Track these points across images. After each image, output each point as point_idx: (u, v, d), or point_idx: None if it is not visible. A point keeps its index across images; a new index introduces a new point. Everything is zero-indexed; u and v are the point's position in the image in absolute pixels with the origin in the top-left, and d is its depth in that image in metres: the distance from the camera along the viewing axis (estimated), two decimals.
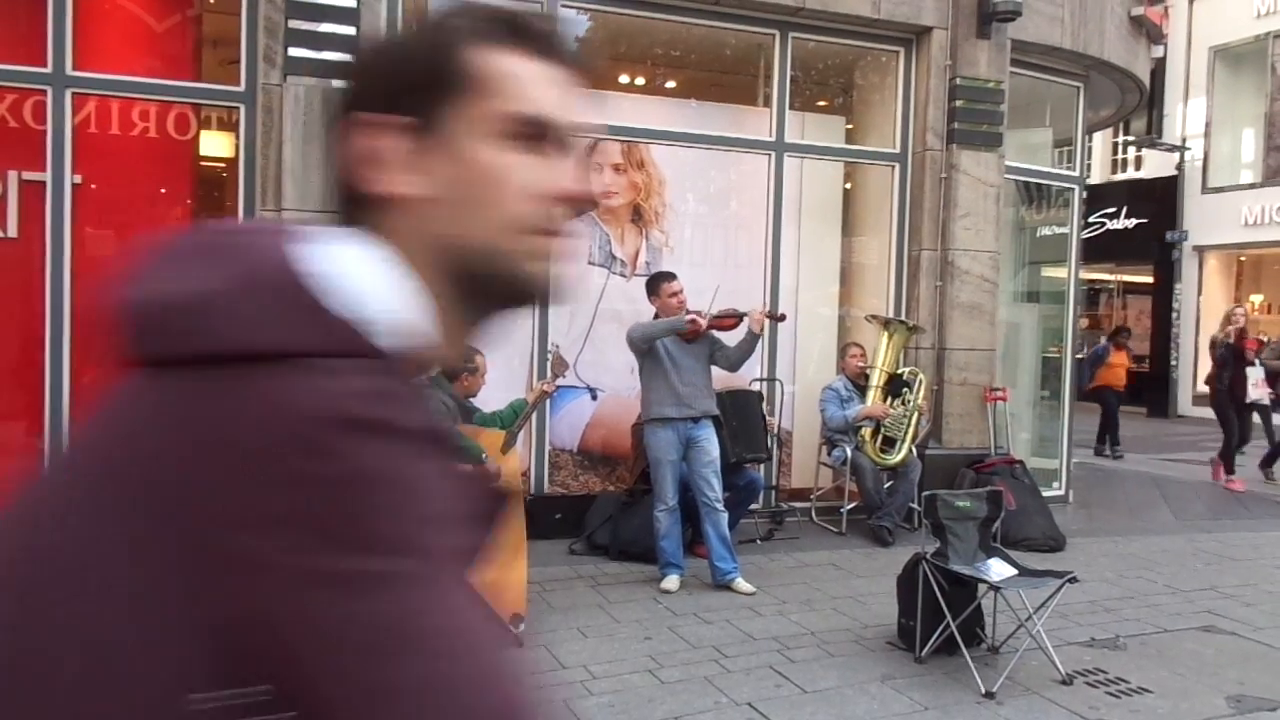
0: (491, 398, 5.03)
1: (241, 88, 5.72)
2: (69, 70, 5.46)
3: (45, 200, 5.46)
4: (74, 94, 5.49)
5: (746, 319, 5.24)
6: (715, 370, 5.40)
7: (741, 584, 5.14)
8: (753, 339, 5.26)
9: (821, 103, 7.92)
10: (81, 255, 5.56)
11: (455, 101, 0.70)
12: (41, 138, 5.45)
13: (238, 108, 5.75)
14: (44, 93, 5.44)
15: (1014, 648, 4.17)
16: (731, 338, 5.36)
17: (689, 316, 5.06)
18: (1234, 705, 3.83)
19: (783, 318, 5.18)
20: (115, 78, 5.58)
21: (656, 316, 5.28)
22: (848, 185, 7.85)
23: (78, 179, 5.53)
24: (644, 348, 5.14)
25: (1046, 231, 8.78)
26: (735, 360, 5.37)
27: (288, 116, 5.57)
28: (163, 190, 5.93)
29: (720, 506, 5.17)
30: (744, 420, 5.87)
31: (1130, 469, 10.39)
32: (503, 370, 6.36)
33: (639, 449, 6.18)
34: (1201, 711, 3.75)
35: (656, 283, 5.35)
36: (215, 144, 6.05)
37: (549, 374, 4.90)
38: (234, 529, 0.57)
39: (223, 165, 6.14)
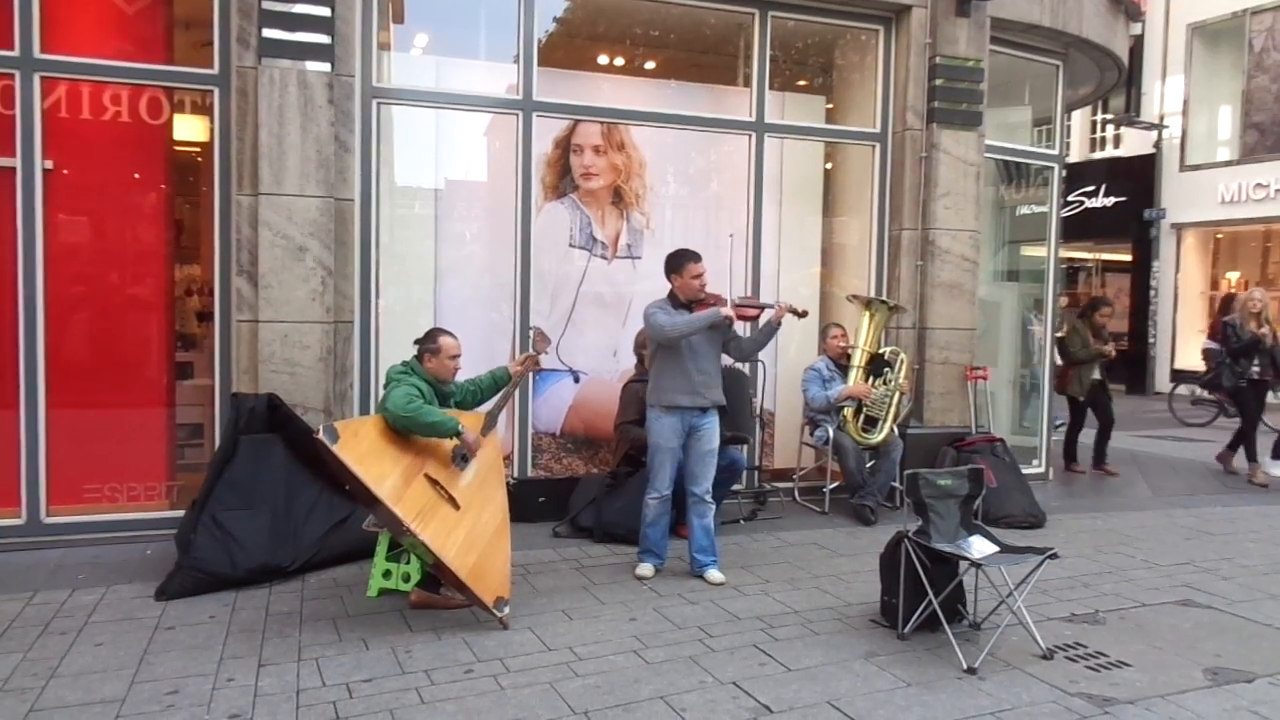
0: None
1: (215, 70, 5.64)
2: (37, 54, 5.37)
3: (15, 187, 5.38)
4: (43, 78, 5.40)
5: (768, 310, 5.11)
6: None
7: (713, 574, 5.04)
8: (770, 331, 5.13)
9: (801, 82, 7.90)
10: (55, 242, 5.50)
11: None
12: (10, 123, 5.36)
13: (212, 91, 5.67)
14: (11, 77, 5.35)
15: (995, 624, 4.22)
16: (745, 327, 5.26)
17: (726, 312, 4.83)
18: (1211, 677, 3.88)
19: (805, 314, 5.05)
20: (85, 61, 5.48)
21: (671, 295, 5.07)
22: (828, 165, 7.84)
23: (49, 165, 5.44)
24: (680, 342, 4.90)
25: (1026, 210, 8.80)
26: (749, 351, 5.29)
27: (263, 99, 5.50)
28: (136, 175, 5.84)
29: (709, 499, 5.09)
30: (730, 400, 5.83)
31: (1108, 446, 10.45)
32: (484, 354, 6.36)
33: (621, 440, 6.14)
34: (1179, 684, 3.80)
35: (681, 261, 5.03)
36: (189, 128, 5.97)
37: (532, 350, 4.84)
38: None
39: (197, 149, 6.06)
